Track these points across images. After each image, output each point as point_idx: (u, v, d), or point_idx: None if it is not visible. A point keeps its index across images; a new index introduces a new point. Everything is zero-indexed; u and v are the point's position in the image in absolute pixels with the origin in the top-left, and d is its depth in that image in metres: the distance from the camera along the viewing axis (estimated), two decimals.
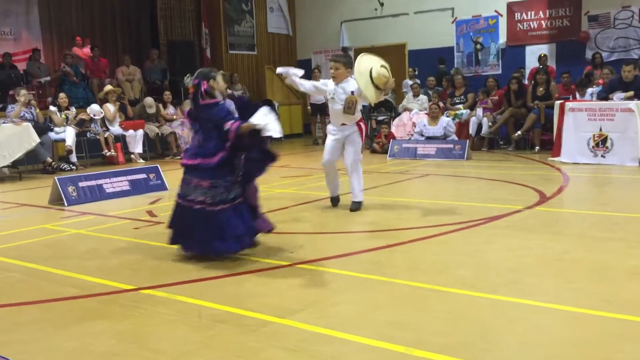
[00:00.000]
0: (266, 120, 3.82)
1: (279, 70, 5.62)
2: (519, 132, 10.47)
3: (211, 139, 3.97)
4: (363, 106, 13.49)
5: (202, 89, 3.96)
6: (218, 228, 3.91)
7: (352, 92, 5.38)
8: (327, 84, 5.57)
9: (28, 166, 9.84)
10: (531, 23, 13.27)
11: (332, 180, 5.78)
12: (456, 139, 10.48)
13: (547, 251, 4.00)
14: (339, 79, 5.45)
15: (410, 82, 12.92)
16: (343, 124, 5.54)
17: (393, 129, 11.67)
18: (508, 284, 3.33)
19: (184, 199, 4.04)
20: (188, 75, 4.17)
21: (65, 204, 6.38)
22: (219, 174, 3.93)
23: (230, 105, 4.04)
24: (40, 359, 2.53)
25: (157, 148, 11.91)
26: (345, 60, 5.50)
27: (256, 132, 3.83)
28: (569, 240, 4.29)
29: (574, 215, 5.32)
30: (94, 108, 10.72)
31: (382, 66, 5.24)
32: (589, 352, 2.45)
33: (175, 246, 4.17)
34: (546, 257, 3.88)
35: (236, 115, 3.99)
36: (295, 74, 5.51)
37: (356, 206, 5.58)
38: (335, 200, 5.82)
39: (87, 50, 12.68)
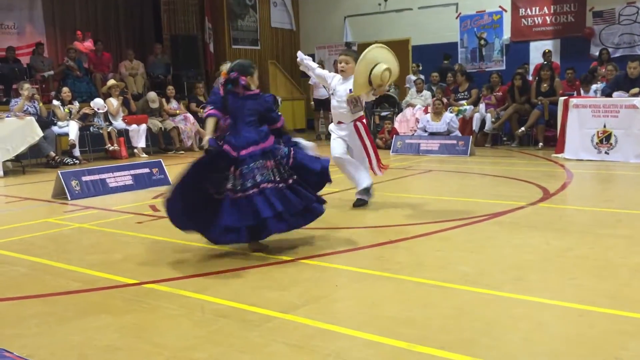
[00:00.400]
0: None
1: (299, 54, 5.64)
2: (523, 128, 10.45)
3: (253, 125, 3.99)
4: (366, 102, 13.55)
5: (241, 83, 4.00)
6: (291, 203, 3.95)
7: (350, 90, 5.24)
8: (331, 78, 5.48)
9: (31, 160, 9.85)
10: (535, 19, 13.22)
11: (351, 172, 5.45)
12: (459, 135, 10.46)
13: (551, 248, 4.00)
14: (347, 73, 5.32)
15: (413, 78, 12.90)
16: (340, 122, 5.43)
17: (396, 125, 11.65)
18: (511, 281, 3.32)
19: (269, 182, 3.90)
20: (227, 61, 4.28)
21: (69, 198, 6.39)
22: (278, 152, 4.01)
23: None
24: (44, 353, 2.53)
25: (160, 142, 11.92)
26: (356, 56, 5.35)
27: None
28: (572, 237, 4.28)
29: (578, 212, 5.31)
30: (97, 102, 10.73)
31: (386, 69, 5.10)
32: (593, 349, 2.44)
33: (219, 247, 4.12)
34: (549, 253, 3.87)
35: None
36: (309, 59, 5.58)
37: (360, 202, 5.52)
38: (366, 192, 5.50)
39: (88, 44, 12.65)
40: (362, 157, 5.47)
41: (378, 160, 5.49)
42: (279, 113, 4.24)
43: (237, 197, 3.83)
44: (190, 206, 3.89)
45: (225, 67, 4.22)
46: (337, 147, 5.42)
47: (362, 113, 5.48)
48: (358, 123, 5.40)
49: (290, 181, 3.96)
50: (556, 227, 4.61)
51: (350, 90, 5.25)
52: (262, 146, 3.96)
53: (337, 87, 5.39)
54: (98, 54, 12.85)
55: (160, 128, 11.57)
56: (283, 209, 3.85)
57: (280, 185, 3.92)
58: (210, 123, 4.00)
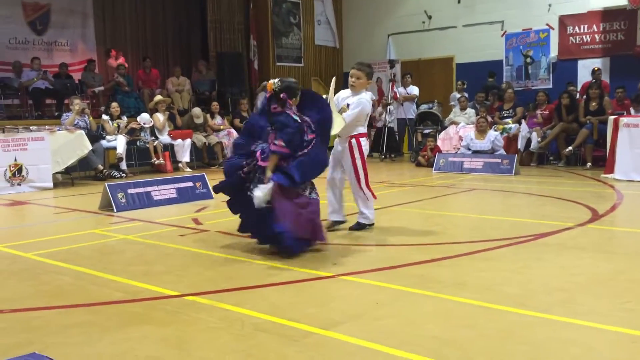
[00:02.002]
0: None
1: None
2: (570, 148, 10.20)
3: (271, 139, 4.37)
4: (409, 119, 13.45)
5: (286, 101, 4.31)
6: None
7: (348, 105, 4.99)
8: (341, 95, 5.15)
9: (80, 173, 10.12)
10: (584, 37, 12.95)
11: (330, 198, 5.21)
12: (504, 153, 10.28)
13: (600, 270, 3.85)
14: (357, 89, 5.06)
15: (457, 95, 12.77)
16: (339, 136, 5.08)
17: (439, 143, 11.54)
18: (559, 303, 3.21)
19: None
20: (279, 80, 4.39)
21: (115, 210, 6.52)
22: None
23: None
24: None
25: (204, 157, 12.09)
26: (369, 71, 5.11)
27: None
28: (623, 260, 4.12)
29: (629, 234, 5.12)
30: (144, 117, 10.98)
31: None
32: None
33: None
34: (599, 276, 3.73)
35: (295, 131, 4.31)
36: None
37: (357, 226, 5.18)
38: (330, 224, 5.18)
39: (121, 61, 12.94)
40: (352, 176, 5.10)
41: (367, 182, 5.10)
42: (277, 142, 4.24)
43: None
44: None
45: (277, 85, 4.32)
46: (330, 166, 5.10)
47: (362, 130, 5.13)
48: (353, 140, 5.02)
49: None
50: (606, 249, 4.45)
51: (348, 104, 4.99)
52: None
53: (342, 100, 5.09)
54: (146, 71, 13.18)
55: (205, 143, 11.75)
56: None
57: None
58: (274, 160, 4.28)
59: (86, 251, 4.73)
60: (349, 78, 5.14)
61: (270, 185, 4.18)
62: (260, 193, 4.16)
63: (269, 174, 4.22)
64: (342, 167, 5.18)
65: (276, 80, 4.36)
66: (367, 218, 5.20)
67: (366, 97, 5.11)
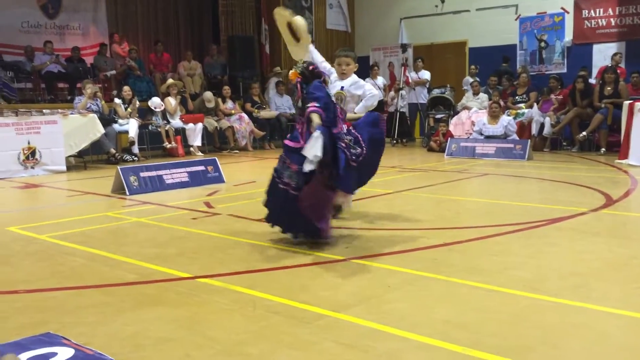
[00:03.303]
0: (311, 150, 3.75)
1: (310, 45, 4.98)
2: (584, 133, 10.11)
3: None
4: (421, 104, 13.38)
5: (315, 69, 4.10)
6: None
7: (342, 88, 4.89)
8: (332, 74, 4.99)
9: (93, 156, 10.18)
10: (599, 20, 12.76)
11: None
12: (517, 138, 10.20)
13: (614, 255, 3.83)
14: (347, 75, 4.93)
15: (470, 80, 12.66)
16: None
17: (451, 128, 11.48)
18: (572, 288, 3.19)
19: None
20: (301, 64, 4.14)
21: (127, 193, 6.56)
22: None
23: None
24: (100, 341, 2.58)
25: (216, 141, 12.12)
26: (354, 55, 5.03)
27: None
28: (637, 245, 4.09)
29: None
30: (155, 101, 11.01)
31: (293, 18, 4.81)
32: None
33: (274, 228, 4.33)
34: (613, 261, 3.70)
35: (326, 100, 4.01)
36: (316, 52, 5.01)
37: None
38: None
39: (127, 48, 12.85)
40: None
41: None
42: (311, 104, 3.89)
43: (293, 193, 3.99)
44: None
45: (294, 68, 4.10)
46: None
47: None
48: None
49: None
50: (620, 235, 4.42)
51: (342, 87, 4.89)
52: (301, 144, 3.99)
53: (334, 84, 4.95)
54: (158, 55, 13.18)
55: (216, 127, 11.77)
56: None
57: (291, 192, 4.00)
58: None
59: (99, 233, 4.77)
60: (337, 66, 4.94)
61: (318, 136, 3.72)
62: (311, 149, 3.72)
63: (316, 122, 3.79)
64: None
65: (298, 65, 4.11)
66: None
67: (378, 84, 5.05)
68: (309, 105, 3.91)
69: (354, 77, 4.98)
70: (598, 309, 2.88)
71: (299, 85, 4.09)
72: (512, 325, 2.70)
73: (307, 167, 3.75)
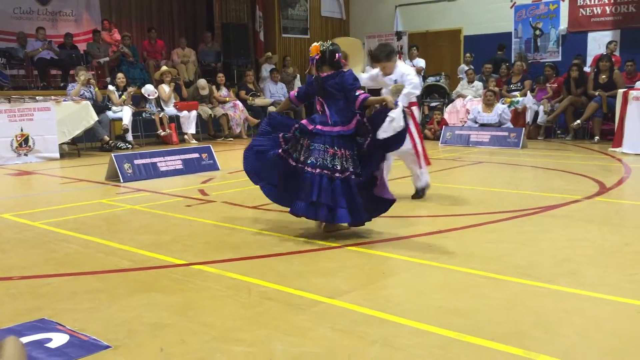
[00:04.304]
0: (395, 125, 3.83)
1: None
2: (578, 121, 10.12)
3: (343, 108, 4.01)
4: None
5: (336, 58, 4.02)
6: (349, 198, 3.92)
7: (396, 81, 5.11)
8: (376, 73, 5.24)
9: (86, 144, 10.13)
10: (594, 9, 12.74)
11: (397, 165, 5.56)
12: (511, 126, 10.21)
13: (607, 243, 3.85)
14: (393, 70, 5.15)
15: (465, 68, 12.64)
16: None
17: (446, 116, 11.47)
18: (566, 274, 3.21)
19: (321, 167, 3.92)
20: (325, 41, 4.14)
21: (121, 181, 6.54)
22: (353, 144, 3.98)
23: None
24: (95, 327, 2.58)
25: (210, 129, 12.07)
26: (391, 49, 5.22)
27: (379, 115, 3.91)
28: (630, 233, 4.11)
29: (636, 207, 5.10)
30: (148, 88, 10.94)
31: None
32: None
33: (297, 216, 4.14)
34: (606, 248, 3.73)
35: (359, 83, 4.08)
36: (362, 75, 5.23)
37: (419, 194, 5.43)
38: None
39: (116, 36, 12.70)
40: (409, 146, 5.12)
41: (423, 151, 5.29)
42: (359, 92, 3.97)
43: (302, 168, 3.97)
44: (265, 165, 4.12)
45: (318, 43, 4.07)
46: None
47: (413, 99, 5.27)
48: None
49: (350, 175, 3.93)
50: (613, 222, 4.44)
51: (395, 80, 5.12)
52: (340, 129, 3.97)
53: (383, 79, 5.21)
54: (152, 42, 13.08)
55: (210, 115, 11.71)
56: (319, 199, 3.89)
57: (336, 175, 3.91)
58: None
59: (94, 220, 4.75)
60: (382, 69, 5.13)
61: (400, 109, 3.84)
62: (398, 116, 3.80)
63: (391, 99, 3.94)
64: None
65: (324, 44, 4.06)
66: (425, 181, 5.38)
67: (420, 65, 5.24)
68: (357, 93, 3.95)
69: (399, 67, 5.18)
70: (591, 295, 2.90)
71: (314, 61, 4.07)
72: (506, 311, 2.71)
73: (397, 125, 3.83)
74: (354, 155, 3.98)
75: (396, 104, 3.90)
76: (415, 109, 5.30)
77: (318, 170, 3.92)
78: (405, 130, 3.93)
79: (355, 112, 4.01)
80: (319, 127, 4.01)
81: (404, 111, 3.90)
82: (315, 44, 4.08)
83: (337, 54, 4.03)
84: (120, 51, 12.25)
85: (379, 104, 4.02)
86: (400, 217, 4.66)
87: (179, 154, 7.34)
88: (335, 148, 3.94)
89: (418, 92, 5.27)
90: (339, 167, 3.92)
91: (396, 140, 3.93)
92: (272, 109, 11.56)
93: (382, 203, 4.13)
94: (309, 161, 3.96)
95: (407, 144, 5.12)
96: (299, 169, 4.01)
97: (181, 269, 3.43)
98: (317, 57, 4.04)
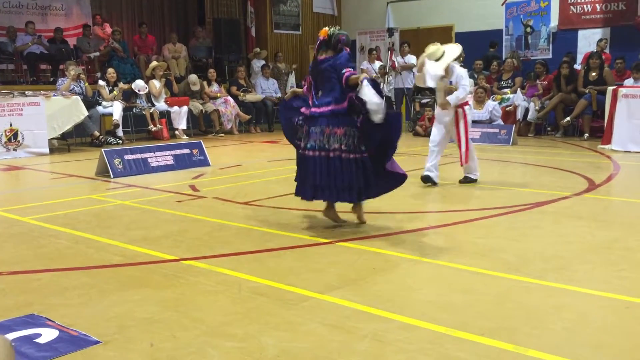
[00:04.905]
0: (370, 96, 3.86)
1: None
2: (568, 118, 10.17)
3: (335, 88, 4.05)
4: (407, 89, 13.38)
5: (340, 41, 4.07)
6: (362, 175, 3.98)
7: (450, 82, 5.72)
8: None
9: (76, 139, 10.06)
10: (585, 6, 12.80)
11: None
12: (502, 123, 10.25)
13: (596, 239, 3.88)
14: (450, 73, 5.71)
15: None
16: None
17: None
18: (555, 270, 3.23)
19: (319, 150, 4.00)
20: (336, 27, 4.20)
21: (111, 176, 6.51)
22: (350, 122, 3.99)
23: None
24: (85, 323, 2.57)
25: (201, 125, 12.03)
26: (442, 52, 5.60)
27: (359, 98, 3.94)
28: (618, 229, 4.14)
29: (625, 204, 5.14)
30: (138, 83, 10.88)
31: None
32: (638, 342, 2.36)
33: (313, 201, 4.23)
34: (595, 244, 3.75)
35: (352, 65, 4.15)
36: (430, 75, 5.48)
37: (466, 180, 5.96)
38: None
39: (108, 30, 12.61)
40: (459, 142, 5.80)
41: (467, 151, 5.80)
42: (349, 70, 4.00)
43: (309, 154, 4.05)
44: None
45: (327, 27, 4.13)
46: (434, 133, 5.94)
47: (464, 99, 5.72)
48: (459, 110, 5.72)
49: (354, 155, 3.97)
50: (602, 218, 4.47)
51: (450, 82, 5.67)
52: (333, 108, 4.00)
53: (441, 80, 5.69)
54: (142, 37, 13.00)
55: (201, 110, 11.68)
56: (324, 181, 3.96)
57: (344, 156, 3.96)
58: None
59: (84, 216, 4.73)
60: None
61: (366, 84, 3.88)
62: (371, 98, 3.85)
63: (363, 75, 3.94)
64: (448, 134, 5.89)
65: (333, 29, 4.12)
66: (475, 174, 5.98)
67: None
68: (344, 70, 3.98)
69: (457, 70, 5.71)
70: (580, 290, 2.92)
71: (318, 43, 4.14)
72: (496, 307, 2.73)
73: (377, 118, 3.86)
74: (352, 132, 3.99)
75: (362, 82, 3.88)
76: (467, 108, 5.78)
77: (317, 153, 4.00)
78: (395, 119, 4.02)
79: (348, 91, 4.01)
80: (313, 109, 4.09)
81: (381, 102, 3.93)
82: (325, 28, 4.17)
83: (341, 38, 4.08)
84: (110, 46, 12.17)
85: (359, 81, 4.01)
86: (390, 213, 4.67)
87: (170, 149, 7.32)
88: (331, 127, 3.99)
89: (464, 96, 5.72)
90: (336, 146, 3.96)
91: (391, 129, 3.97)
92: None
93: (396, 177, 4.18)
94: (308, 145, 4.05)
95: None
96: (305, 155, 4.10)
97: (172, 265, 3.43)
98: (324, 38, 4.11)
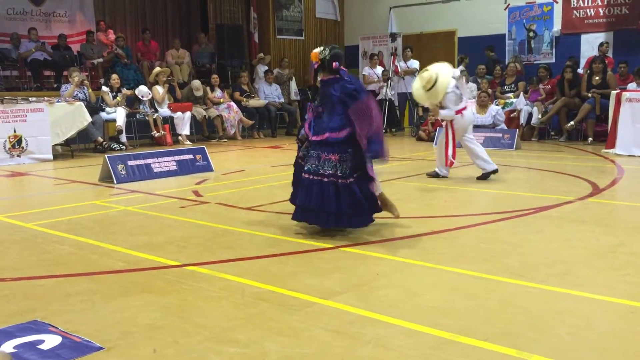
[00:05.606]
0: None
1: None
2: (572, 123, 10.15)
3: (335, 114, 4.03)
4: (410, 93, 13.42)
5: (334, 66, 4.06)
6: (352, 202, 3.99)
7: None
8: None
9: (80, 145, 10.09)
10: (588, 10, 12.79)
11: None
12: (505, 128, 10.24)
13: (600, 243, 3.86)
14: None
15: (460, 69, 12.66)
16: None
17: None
18: (559, 275, 3.22)
19: (314, 174, 4.03)
20: (325, 47, 4.15)
21: (115, 182, 6.52)
22: (346, 149, 4.00)
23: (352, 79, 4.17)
24: (88, 329, 2.57)
25: (204, 130, 12.05)
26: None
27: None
28: (623, 233, 4.13)
29: (629, 208, 5.12)
30: (142, 89, 10.91)
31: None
32: None
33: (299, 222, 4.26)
34: (599, 249, 3.74)
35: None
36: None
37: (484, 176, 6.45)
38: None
39: (111, 36, 12.65)
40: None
41: (453, 154, 6.34)
42: (359, 108, 3.97)
43: (305, 176, 4.08)
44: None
45: (325, 52, 4.07)
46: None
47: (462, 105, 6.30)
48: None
49: (348, 180, 4.00)
50: (606, 223, 4.46)
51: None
52: (328, 136, 4.01)
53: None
54: (146, 43, 13.05)
55: (204, 116, 11.69)
56: (315, 205, 4.00)
57: (340, 181, 3.99)
58: None
59: (87, 222, 4.74)
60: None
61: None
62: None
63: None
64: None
65: (321, 48, 4.10)
66: (489, 164, 6.48)
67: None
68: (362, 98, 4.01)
69: (445, 97, 6.18)
70: (584, 295, 2.91)
71: (314, 69, 4.16)
72: (499, 312, 2.72)
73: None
74: (347, 158, 4.00)
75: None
76: (459, 114, 6.28)
77: (311, 177, 4.03)
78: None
79: (348, 123, 3.97)
80: (313, 137, 4.11)
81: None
82: (315, 50, 4.12)
83: (334, 63, 4.05)
84: (114, 52, 12.22)
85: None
86: (393, 218, 4.66)
87: (173, 155, 7.33)
88: (326, 154, 4.01)
89: (452, 115, 6.27)
90: (330, 172, 3.98)
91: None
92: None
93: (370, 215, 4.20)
94: (305, 168, 4.09)
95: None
96: (302, 177, 4.13)
97: (175, 270, 3.43)
98: (318, 63, 4.10)
